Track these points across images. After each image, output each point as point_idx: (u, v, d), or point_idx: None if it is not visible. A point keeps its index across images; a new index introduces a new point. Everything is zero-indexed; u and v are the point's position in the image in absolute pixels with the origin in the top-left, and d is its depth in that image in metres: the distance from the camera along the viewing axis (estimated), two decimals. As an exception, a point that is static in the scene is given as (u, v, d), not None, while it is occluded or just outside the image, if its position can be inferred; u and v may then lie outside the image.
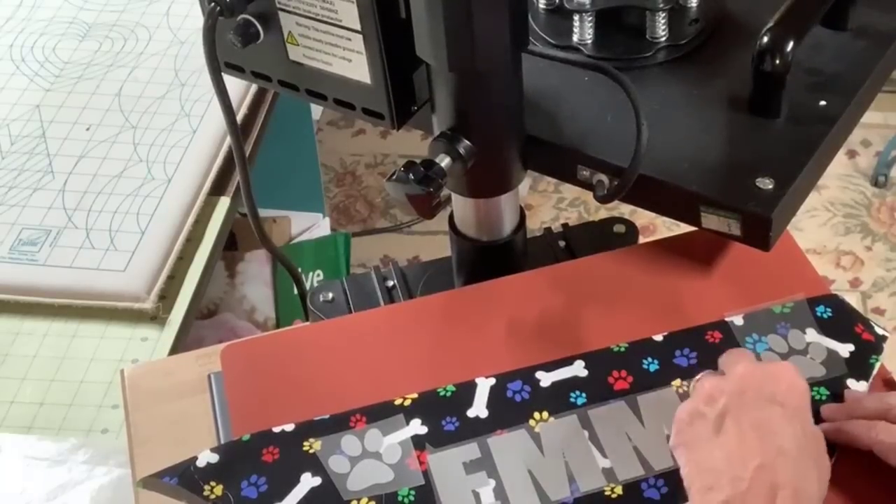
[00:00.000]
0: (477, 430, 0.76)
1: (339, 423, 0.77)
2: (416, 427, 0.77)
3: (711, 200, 0.78)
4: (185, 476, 0.74)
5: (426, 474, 0.74)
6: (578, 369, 0.80)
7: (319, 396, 0.80)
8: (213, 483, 0.74)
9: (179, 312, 1.14)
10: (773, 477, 0.65)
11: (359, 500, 0.73)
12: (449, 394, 0.78)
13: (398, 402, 0.78)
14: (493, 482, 0.73)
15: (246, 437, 0.76)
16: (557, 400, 0.78)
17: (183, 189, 1.25)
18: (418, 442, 0.76)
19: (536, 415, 0.77)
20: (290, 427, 0.77)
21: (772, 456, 0.66)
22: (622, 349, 0.81)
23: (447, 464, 0.75)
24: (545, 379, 0.79)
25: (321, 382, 0.81)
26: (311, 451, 0.76)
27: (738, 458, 0.66)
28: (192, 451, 0.81)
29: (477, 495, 0.73)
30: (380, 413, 0.77)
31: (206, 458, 0.75)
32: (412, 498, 0.73)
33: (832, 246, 2.16)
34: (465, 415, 0.77)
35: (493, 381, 0.79)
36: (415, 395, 0.78)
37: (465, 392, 0.78)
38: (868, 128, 2.36)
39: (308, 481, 0.74)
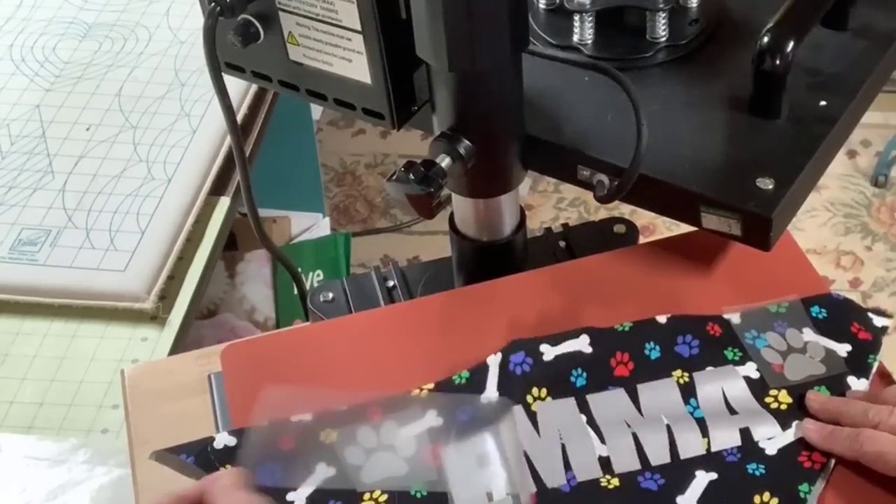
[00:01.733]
0: (490, 416, 0.76)
1: (356, 414, 0.77)
2: (432, 419, 0.76)
3: (711, 200, 0.78)
4: (202, 456, 0.74)
5: (439, 470, 0.73)
6: (583, 345, 0.79)
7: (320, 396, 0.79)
8: (228, 466, 0.74)
9: (179, 312, 1.14)
10: None
11: (372, 492, 0.73)
12: (464, 380, 0.78)
13: (415, 392, 0.78)
14: (505, 474, 0.73)
15: (264, 423, 0.76)
16: (558, 377, 0.77)
17: (183, 189, 1.25)
18: (433, 434, 0.75)
19: (535, 391, 0.76)
20: (307, 417, 0.77)
21: None
22: (626, 328, 0.81)
23: (461, 457, 0.74)
24: (549, 353, 0.79)
25: (321, 382, 0.81)
26: (327, 441, 0.75)
27: None
28: (193, 451, 0.81)
29: (490, 496, 0.72)
30: (397, 404, 0.77)
31: (224, 440, 0.75)
32: (424, 493, 0.73)
33: (832, 246, 2.17)
34: (479, 401, 0.77)
35: (499, 356, 0.79)
36: (431, 385, 0.78)
37: (479, 376, 0.78)
38: (868, 128, 2.36)
39: (323, 471, 0.74)
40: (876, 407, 0.74)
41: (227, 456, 0.74)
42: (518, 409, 0.76)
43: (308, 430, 0.76)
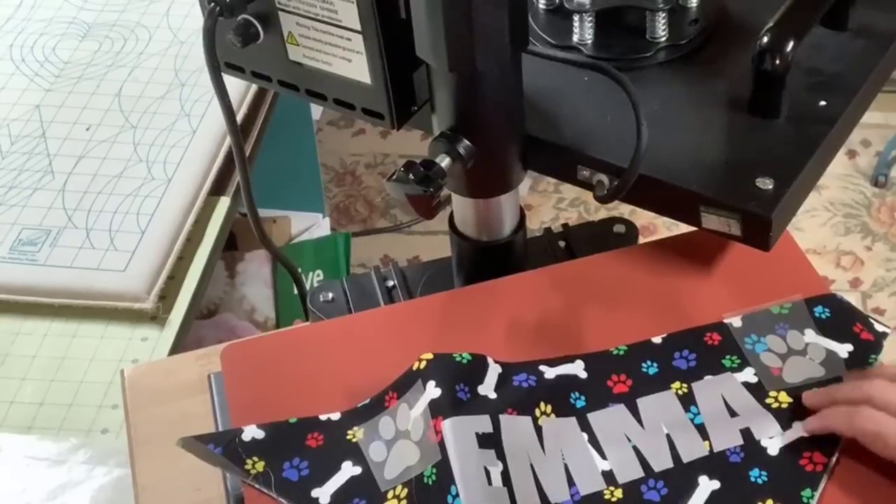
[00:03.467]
0: (487, 406, 0.76)
1: (377, 405, 0.77)
2: (431, 390, 0.76)
3: (711, 200, 0.78)
4: (230, 448, 0.75)
5: (441, 445, 0.73)
6: (578, 369, 0.79)
7: (320, 396, 0.80)
8: (255, 458, 0.75)
9: (179, 312, 1.14)
10: None
11: (394, 489, 0.73)
12: (465, 361, 0.78)
13: (416, 366, 0.78)
14: (500, 465, 0.73)
15: (293, 419, 0.77)
16: (559, 397, 0.77)
17: (183, 189, 1.25)
18: (434, 408, 0.75)
19: (542, 405, 0.76)
20: (335, 416, 0.77)
21: None
22: (621, 352, 0.81)
23: (461, 430, 0.74)
24: (549, 372, 0.79)
25: (321, 382, 0.81)
26: (353, 439, 0.76)
27: None
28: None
29: (487, 473, 0.72)
30: (405, 384, 0.78)
31: (252, 432, 0.76)
32: (434, 478, 0.72)
33: (832, 246, 2.16)
34: (476, 389, 0.77)
35: (499, 368, 0.79)
36: (430, 356, 0.78)
37: (479, 366, 0.78)
38: (868, 128, 2.36)
39: (348, 470, 0.74)
40: (867, 381, 0.74)
41: (255, 449, 0.75)
42: (527, 421, 0.76)
43: (336, 429, 0.77)
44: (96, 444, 1.02)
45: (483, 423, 0.74)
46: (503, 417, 0.75)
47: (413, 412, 0.76)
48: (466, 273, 0.93)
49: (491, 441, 0.74)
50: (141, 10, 1.51)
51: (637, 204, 0.82)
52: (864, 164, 2.31)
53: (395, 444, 0.75)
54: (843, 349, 0.80)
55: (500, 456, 0.73)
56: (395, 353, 0.82)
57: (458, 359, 0.78)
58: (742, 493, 0.72)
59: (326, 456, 0.75)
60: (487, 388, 0.77)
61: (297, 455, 0.75)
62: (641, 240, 0.98)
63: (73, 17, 1.51)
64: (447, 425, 0.74)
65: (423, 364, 0.78)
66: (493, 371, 0.78)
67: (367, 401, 0.78)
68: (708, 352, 0.80)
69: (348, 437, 0.76)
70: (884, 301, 2.07)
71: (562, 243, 0.99)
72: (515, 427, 0.75)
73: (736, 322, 0.82)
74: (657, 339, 0.81)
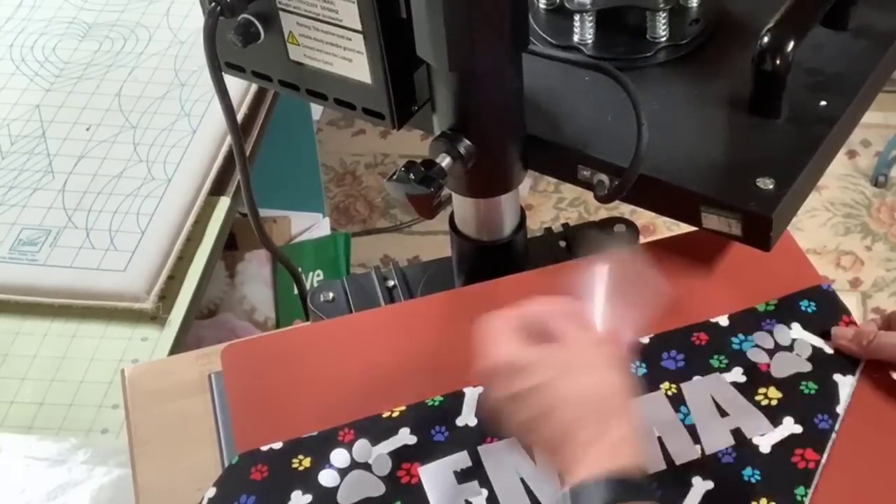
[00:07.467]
0: (466, 438, 0.76)
1: (327, 439, 0.76)
2: (405, 436, 0.76)
3: (712, 200, 0.78)
4: None
5: (418, 487, 0.73)
6: None
7: (319, 397, 0.80)
8: None
9: (179, 312, 1.14)
10: None
11: None
12: (437, 403, 0.78)
13: (386, 415, 0.78)
14: (485, 491, 0.73)
15: (235, 458, 0.76)
16: None
17: (183, 189, 1.25)
18: (408, 453, 0.75)
19: None
20: (277, 445, 0.76)
21: None
22: None
23: (438, 474, 0.74)
24: None
25: (321, 383, 0.81)
26: (300, 468, 0.75)
27: None
28: (192, 451, 0.81)
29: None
30: (368, 427, 0.77)
31: (209, 494, 0.75)
32: None
33: (832, 246, 2.16)
34: (454, 423, 0.77)
35: (480, 389, 0.78)
36: (403, 408, 0.78)
37: (454, 401, 0.78)
38: (868, 128, 2.35)
39: (298, 499, 0.73)
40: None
41: None
42: (510, 441, 0.75)
43: (279, 458, 0.75)
44: (96, 444, 1.02)
45: (461, 460, 0.74)
46: (482, 448, 0.75)
47: (377, 448, 0.75)
48: (467, 273, 0.93)
49: (472, 474, 0.74)
50: (141, 10, 1.51)
51: (637, 204, 0.82)
52: (864, 164, 2.31)
53: (351, 473, 0.74)
54: (830, 345, 0.80)
55: (485, 482, 0.73)
56: (395, 353, 0.83)
57: (431, 403, 0.78)
58: (736, 493, 0.72)
59: (274, 487, 0.74)
60: (467, 417, 0.77)
61: (243, 491, 0.74)
62: (641, 240, 0.98)
63: (73, 17, 1.50)
64: (424, 472, 0.74)
65: (396, 413, 0.77)
66: (473, 395, 0.78)
67: (315, 433, 0.77)
68: (695, 352, 0.80)
69: (293, 465, 0.75)
70: (884, 301, 2.07)
71: (562, 243, 0.99)
72: (497, 453, 0.75)
73: (722, 321, 0.82)
74: (644, 339, 0.81)
